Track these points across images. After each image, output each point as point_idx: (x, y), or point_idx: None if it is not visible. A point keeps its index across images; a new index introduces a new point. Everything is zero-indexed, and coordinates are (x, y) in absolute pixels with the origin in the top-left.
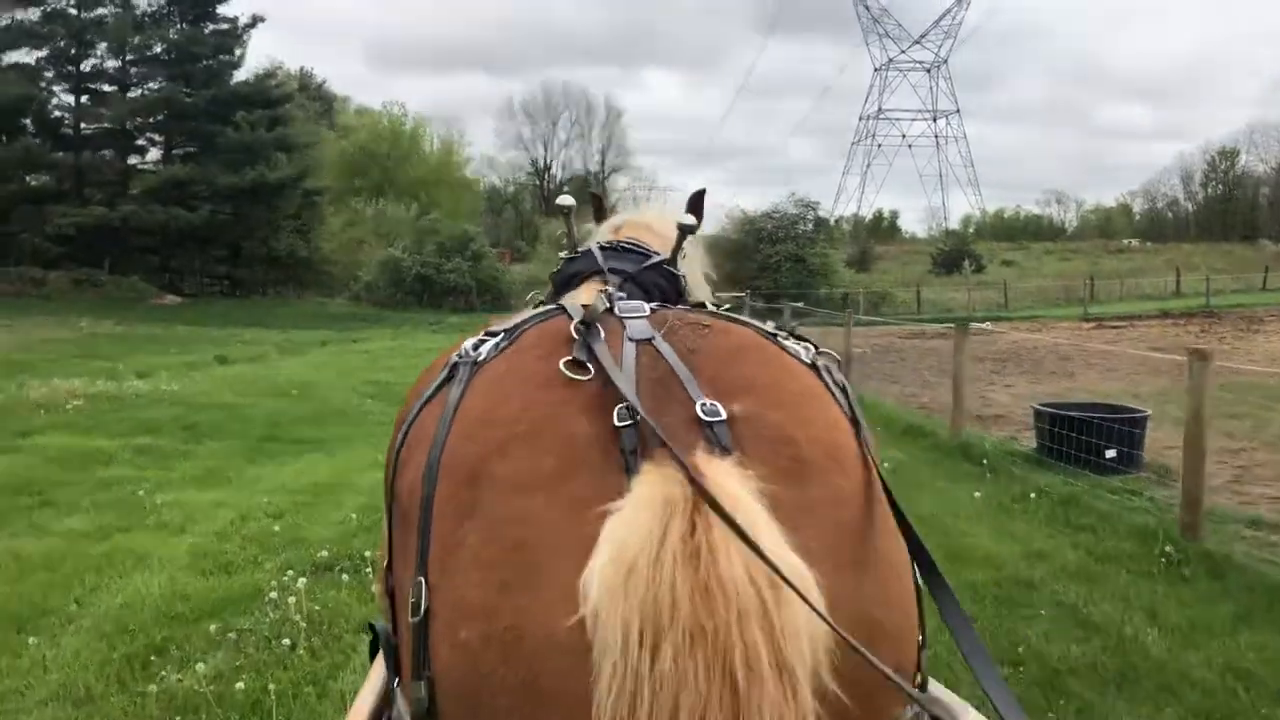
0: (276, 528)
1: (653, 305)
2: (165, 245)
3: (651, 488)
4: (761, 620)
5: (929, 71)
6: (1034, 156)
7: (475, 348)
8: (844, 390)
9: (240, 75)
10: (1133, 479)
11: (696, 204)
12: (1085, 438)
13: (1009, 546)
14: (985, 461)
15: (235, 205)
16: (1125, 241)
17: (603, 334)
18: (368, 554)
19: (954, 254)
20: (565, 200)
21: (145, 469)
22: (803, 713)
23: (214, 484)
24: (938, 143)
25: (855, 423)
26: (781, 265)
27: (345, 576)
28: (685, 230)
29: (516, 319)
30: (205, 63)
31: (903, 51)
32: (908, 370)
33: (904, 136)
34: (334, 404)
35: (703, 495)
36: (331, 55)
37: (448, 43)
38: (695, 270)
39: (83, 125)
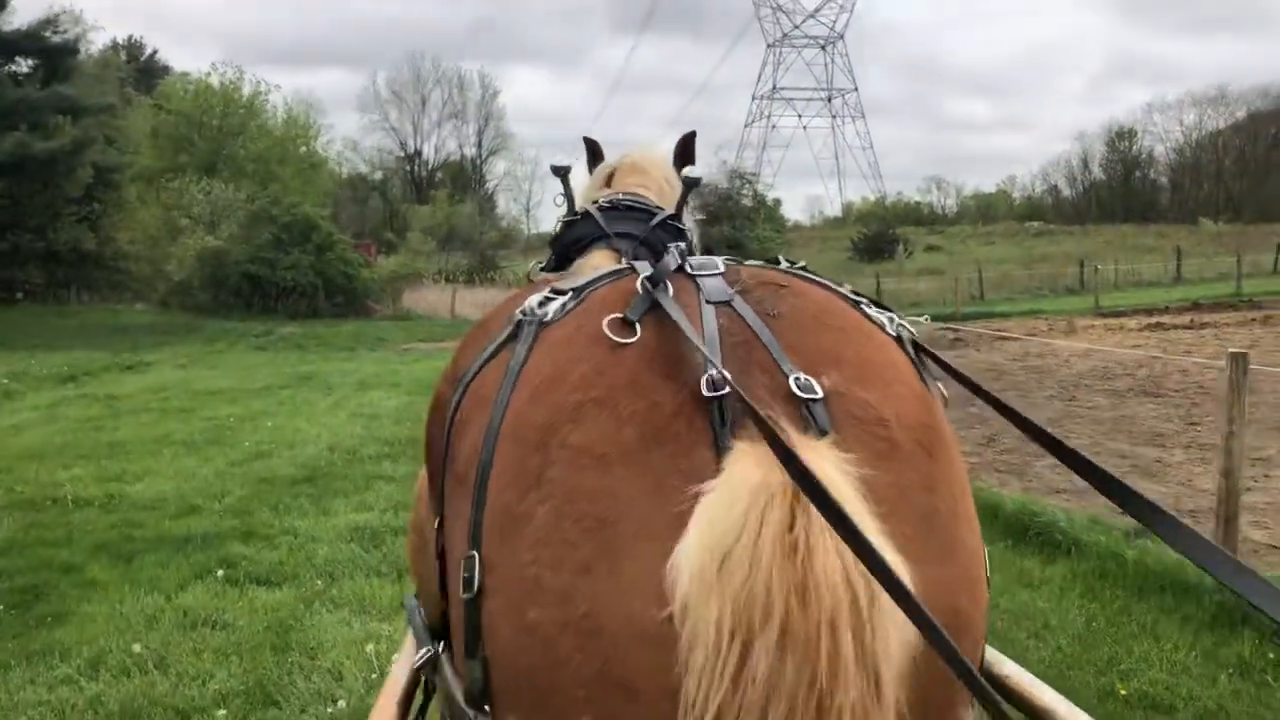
0: None
1: (724, 260)
2: None
3: (747, 469)
4: (854, 622)
5: (824, 48)
6: (894, 148)
7: (540, 305)
8: (923, 361)
9: (14, 23)
10: None
11: (687, 149)
12: None
13: None
14: None
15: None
16: (1028, 225)
17: (671, 291)
18: None
19: (877, 240)
20: (560, 162)
21: None
22: (886, 715)
23: None
24: (834, 124)
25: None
26: (715, 252)
27: None
28: (690, 184)
29: (583, 279)
30: None
31: (796, 27)
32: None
33: (800, 117)
34: None
35: (805, 488)
36: (186, 54)
37: (305, 40)
38: (688, 221)
39: None
